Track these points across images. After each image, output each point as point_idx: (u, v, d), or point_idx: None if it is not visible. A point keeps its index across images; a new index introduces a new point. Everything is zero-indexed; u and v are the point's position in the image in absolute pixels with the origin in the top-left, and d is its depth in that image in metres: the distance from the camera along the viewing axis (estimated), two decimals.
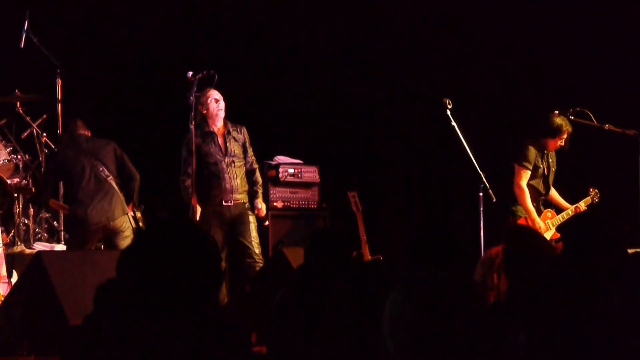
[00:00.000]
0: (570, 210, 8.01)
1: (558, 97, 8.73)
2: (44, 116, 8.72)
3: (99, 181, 7.52)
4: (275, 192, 8.81)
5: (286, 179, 8.85)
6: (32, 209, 8.58)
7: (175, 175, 7.69)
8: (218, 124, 7.73)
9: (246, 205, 7.73)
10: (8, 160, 8.41)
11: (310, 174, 9.03)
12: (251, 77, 9.91)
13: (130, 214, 7.65)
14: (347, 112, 10.18)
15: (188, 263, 2.53)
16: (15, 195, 8.34)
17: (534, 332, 3.13)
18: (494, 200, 7.37)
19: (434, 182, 9.91)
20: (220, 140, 7.70)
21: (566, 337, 3.17)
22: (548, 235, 7.73)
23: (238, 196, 7.67)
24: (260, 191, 7.92)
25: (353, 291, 2.74)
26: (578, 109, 7.84)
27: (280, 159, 8.99)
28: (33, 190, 7.97)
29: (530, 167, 7.83)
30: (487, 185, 7.32)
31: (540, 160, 7.89)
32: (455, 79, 9.25)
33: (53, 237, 8.74)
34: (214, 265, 2.58)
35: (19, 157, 8.53)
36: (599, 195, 8.11)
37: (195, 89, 7.31)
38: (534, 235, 4.48)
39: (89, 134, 7.83)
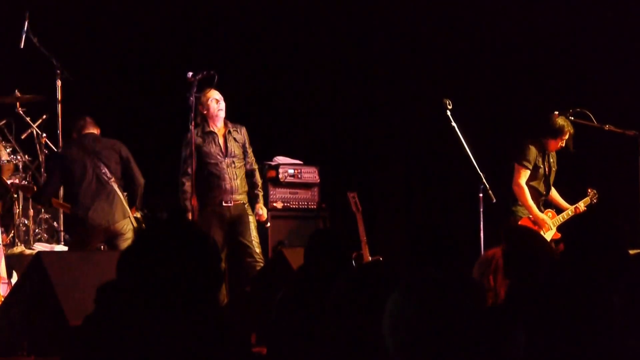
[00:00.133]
0: (570, 210, 8.02)
1: (558, 97, 8.73)
2: (44, 117, 8.72)
3: (101, 183, 7.48)
4: (275, 193, 8.82)
5: (286, 180, 8.85)
6: (32, 210, 8.57)
7: (176, 176, 7.68)
8: (218, 124, 7.72)
9: (246, 205, 7.72)
10: (8, 161, 8.41)
11: (310, 174, 9.04)
12: (251, 77, 9.91)
13: (132, 215, 7.62)
14: (347, 112, 10.18)
15: (188, 263, 2.53)
16: (16, 195, 8.34)
17: (534, 332, 3.13)
18: (494, 200, 7.37)
19: (434, 182, 9.91)
20: (220, 140, 7.69)
21: (566, 337, 3.17)
22: (549, 235, 7.73)
23: (238, 197, 7.67)
24: (261, 194, 7.91)
25: (353, 291, 2.74)
26: (578, 109, 7.84)
27: (280, 159, 9.00)
28: (35, 189, 7.95)
29: (530, 167, 7.83)
30: (487, 185, 7.32)
31: (541, 160, 7.89)
32: (455, 79, 9.25)
33: (53, 238, 8.73)
34: (213, 265, 2.58)
35: (19, 157, 8.52)
36: (597, 195, 8.12)
37: (195, 90, 7.30)
38: (534, 235, 4.49)
39: (98, 132, 7.73)
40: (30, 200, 8.29)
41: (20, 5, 8.67)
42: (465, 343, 2.23)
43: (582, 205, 8.08)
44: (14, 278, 7.33)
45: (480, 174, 7.30)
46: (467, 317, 2.25)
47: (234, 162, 7.69)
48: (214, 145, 7.65)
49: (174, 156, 7.84)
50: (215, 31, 9.96)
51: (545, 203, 8.05)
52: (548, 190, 8.04)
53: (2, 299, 6.76)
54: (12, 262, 7.66)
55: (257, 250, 7.62)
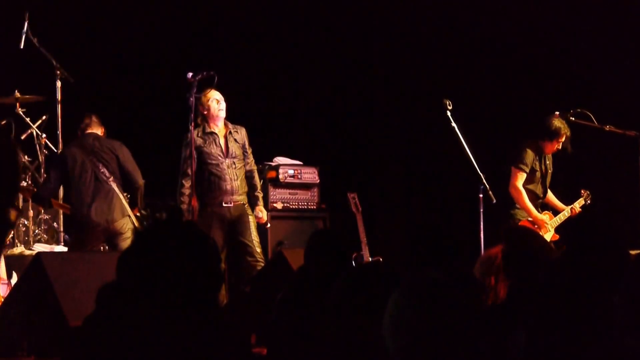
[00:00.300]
0: (566, 211, 8.03)
1: (559, 97, 8.73)
2: (44, 117, 8.71)
3: (100, 182, 7.49)
4: (275, 193, 8.82)
5: (286, 180, 8.85)
6: (31, 210, 8.57)
7: (176, 176, 7.68)
8: (219, 124, 7.72)
9: (246, 205, 7.72)
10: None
11: (310, 175, 9.04)
12: (251, 78, 9.91)
13: (134, 214, 7.62)
14: (347, 113, 10.18)
15: (187, 264, 2.53)
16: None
17: (534, 332, 3.13)
18: (494, 201, 7.38)
19: (434, 183, 9.91)
20: (221, 141, 7.69)
21: (566, 337, 3.16)
22: (548, 237, 7.74)
23: (238, 197, 7.67)
24: (260, 196, 7.91)
25: (352, 292, 2.74)
26: (579, 110, 7.84)
27: (280, 159, 9.00)
28: (35, 190, 7.94)
29: (527, 170, 7.82)
30: (487, 186, 7.32)
31: (537, 163, 7.89)
32: (455, 79, 9.25)
33: (53, 239, 8.73)
34: (213, 266, 2.58)
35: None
36: (590, 196, 8.14)
37: (195, 90, 7.30)
38: (534, 235, 4.49)
39: (103, 131, 7.74)
40: (30, 200, 8.28)
41: (20, 5, 8.67)
42: (465, 343, 2.23)
43: (577, 206, 8.09)
44: (14, 279, 7.33)
45: (480, 175, 7.30)
46: (467, 317, 2.25)
47: (234, 162, 7.69)
48: (214, 146, 7.65)
49: (174, 157, 7.83)
50: (215, 31, 9.96)
51: (542, 205, 8.06)
52: (545, 192, 8.04)
53: (2, 299, 6.76)
54: (12, 263, 7.66)
55: (258, 250, 7.62)
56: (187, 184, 7.49)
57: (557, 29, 9.07)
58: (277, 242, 8.44)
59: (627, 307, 3.27)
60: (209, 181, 7.61)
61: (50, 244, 8.52)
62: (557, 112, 7.85)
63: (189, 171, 7.44)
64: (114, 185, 7.50)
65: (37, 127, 8.66)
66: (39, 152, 8.66)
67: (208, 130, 7.68)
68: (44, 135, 8.65)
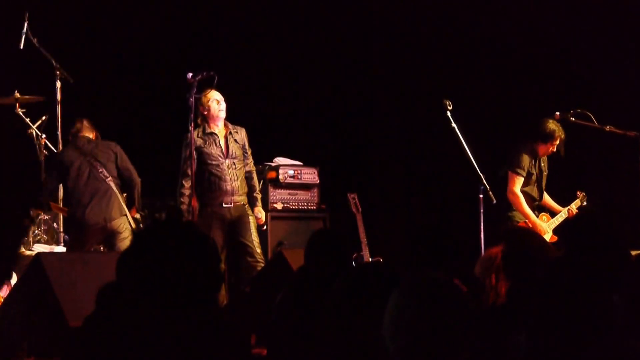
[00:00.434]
0: (563, 213, 8.03)
1: (559, 98, 8.73)
2: (44, 118, 8.71)
3: (98, 182, 7.51)
4: (275, 194, 8.81)
5: (286, 181, 8.85)
6: (31, 211, 8.56)
7: (176, 176, 7.68)
8: (219, 124, 7.72)
9: (246, 206, 7.72)
10: None
11: (310, 175, 9.03)
12: (251, 78, 9.91)
13: (132, 216, 7.63)
14: (347, 113, 10.17)
15: (187, 264, 2.52)
16: None
17: (534, 332, 3.13)
18: (494, 202, 7.38)
19: (434, 183, 9.90)
20: (221, 141, 7.69)
21: (566, 337, 3.16)
22: (546, 238, 7.73)
23: (238, 198, 7.67)
24: (259, 197, 7.92)
25: (352, 292, 2.74)
26: (579, 110, 7.84)
27: (280, 160, 8.99)
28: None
29: (524, 174, 7.83)
30: (487, 187, 7.32)
31: (533, 166, 7.90)
32: (455, 79, 9.25)
33: (52, 239, 8.72)
34: (213, 266, 2.58)
35: None
36: (586, 198, 8.14)
37: (195, 90, 7.29)
38: (533, 236, 4.48)
39: (94, 135, 7.81)
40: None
41: (20, 5, 8.66)
42: (465, 343, 2.22)
43: (573, 208, 8.09)
44: (14, 279, 7.32)
45: (480, 175, 7.30)
46: (467, 317, 2.25)
47: (234, 163, 7.69)
48: (214, 147, 7.65)
49: (174, 157, 7.83)
50: (215, 31, 9.96)
51: (538, 207, 8.06)
52: (541, 195, 8.05)
53: (2, 300, 6.76)
54: (12, 263, 7.65)
55: (258, 250, 7.62)
56: (187, 184, 7.49)
57: (557, 29, 9.07)
58: (277, 242, 8.44)
59: (627, 307, 3.27)
60: (209, 181, 7.62)
61: (50, 245, 8.51)
62: (558, 113, 7.84)
63: (189, 171, 7.44)
64: (112, 185, 7.54)
65: (36, 128, 8.65)
66: (38, 153, 8.65)
67: (208, 130, 7.68)
68: (43, 136, 8.64)
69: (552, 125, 7.78)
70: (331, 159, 9.83)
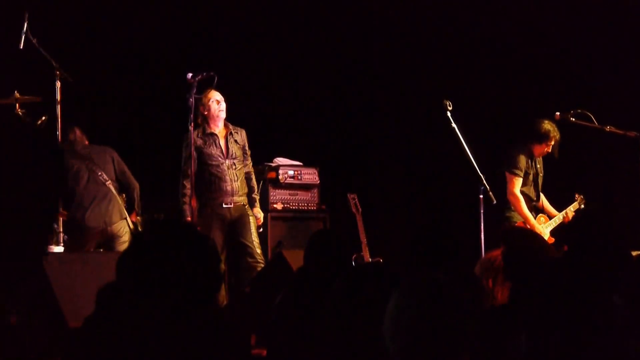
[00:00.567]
0: (560, 215, 8.04)
1: (559, 98, 8.73)
2: (43, 118, 8.70)
3: (97, 185, 7.54)
4: (275, 194, 8.81)
5: (286, 181, 8.85)
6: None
7: (175, 177, 7.68)
8: (219, 125, 7.73)
9: (246, 206, 7.73)
10: None
11: (310, 175, 9.03)
12: (251, 78, 9.90)
13: (131, 220, 7.64)
14: (347, 113, 10.17)
15: (187, 265, 2.52)
16: None
17: (534, 332, 3.13)
18: (494, 202, 7.37)
19: (434, 184, 9.90)
20: (221, 142, 7.69)
21: (567, 337, 3.16)
22: None
23: (238, 198, 7.67)
24: (257, 198, 7.93)
25: (352, 292, 2.74)
26: (579, 110, 7.84)
27: (280, 160, 8.99)
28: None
29: (522, 175, 7.84)
30: (488, 187, 7.31)
31: (529, 167, 7.91)
32: (455, 80, 9.24)
33: (52, 239, 8.72)
34: (212, 267, 2.58)
35: None
36: (584, 201, 8.14)
37: (194, 91, 7.29)
38: (533, 236, 4.48)
39: (87, 142, 7.88)
40: None
41: (20, 5, 8.66)
42: (465, 343, 2.22)
43: (570, 211, 8.08)
44: None
45: (480, 176, 7.30)
46: (467, 317, 2.25)
47: (234, 163, 7.70)
48: (215, 147, 7.66)
49: (174, 157, 7.83)
50: (215, 31, 9.95)
51: (535, 209, 8.06)
52: (538, 195, 8.05)
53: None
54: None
55: (258, 250, 7.62)
56: (188, 184, 7.49)
57: (557, 29, 9.07)
58: (277, 242, 8.44)
59: (627, 307, 3.27)
60: (209, 182, 7.62)
61: (50, 245, 8.51)
62: (558, 113, 7.84)
63: (189, 172, 7.45)
64: (112, 188, 7.56)
65: (36, 127, 8.64)
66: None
67: (208, 131, 7.68)
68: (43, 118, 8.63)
69: (547, 125, 7.78)
70: (331, 159, 9.82)
